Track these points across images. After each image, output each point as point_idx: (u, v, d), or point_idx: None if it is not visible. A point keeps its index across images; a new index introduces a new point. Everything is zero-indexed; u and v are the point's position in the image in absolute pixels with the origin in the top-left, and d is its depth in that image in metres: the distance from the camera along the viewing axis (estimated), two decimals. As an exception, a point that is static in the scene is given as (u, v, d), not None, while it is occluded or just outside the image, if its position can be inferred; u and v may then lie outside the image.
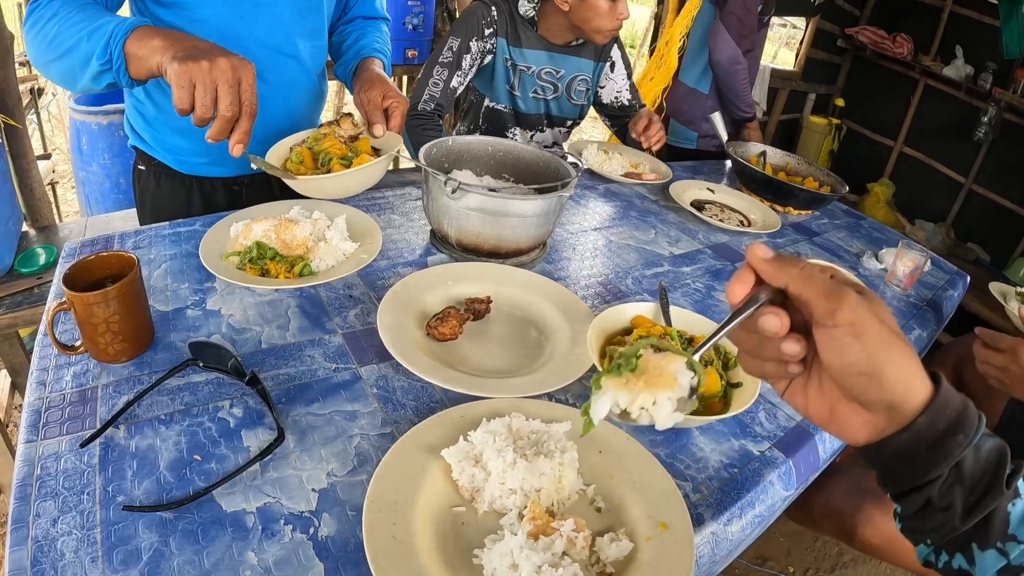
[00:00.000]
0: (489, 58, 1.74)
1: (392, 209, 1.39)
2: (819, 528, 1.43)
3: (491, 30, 1.70)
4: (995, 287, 1.95)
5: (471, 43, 1.68)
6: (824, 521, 1.37)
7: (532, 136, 1.91)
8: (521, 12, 1.73)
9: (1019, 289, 1.83)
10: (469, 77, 1.73)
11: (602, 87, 1.97)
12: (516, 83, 1.78)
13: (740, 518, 0.79)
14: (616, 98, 1.98)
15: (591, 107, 2.01)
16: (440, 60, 1.68)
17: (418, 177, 1.21)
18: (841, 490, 1.30)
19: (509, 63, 1.75)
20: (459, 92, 1.73)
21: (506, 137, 1.88)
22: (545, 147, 1.97)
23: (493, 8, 1.69)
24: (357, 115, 1.21)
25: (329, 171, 1.09)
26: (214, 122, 0.87)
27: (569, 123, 1.96)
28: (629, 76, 1.98)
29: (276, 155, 1.21)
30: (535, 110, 1.86)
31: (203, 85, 0.84)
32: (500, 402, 0.82)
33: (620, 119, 2.02)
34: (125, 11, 1.16)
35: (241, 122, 0.89)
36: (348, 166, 1.08)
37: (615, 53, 1.92)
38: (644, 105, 2.02)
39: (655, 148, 1.82)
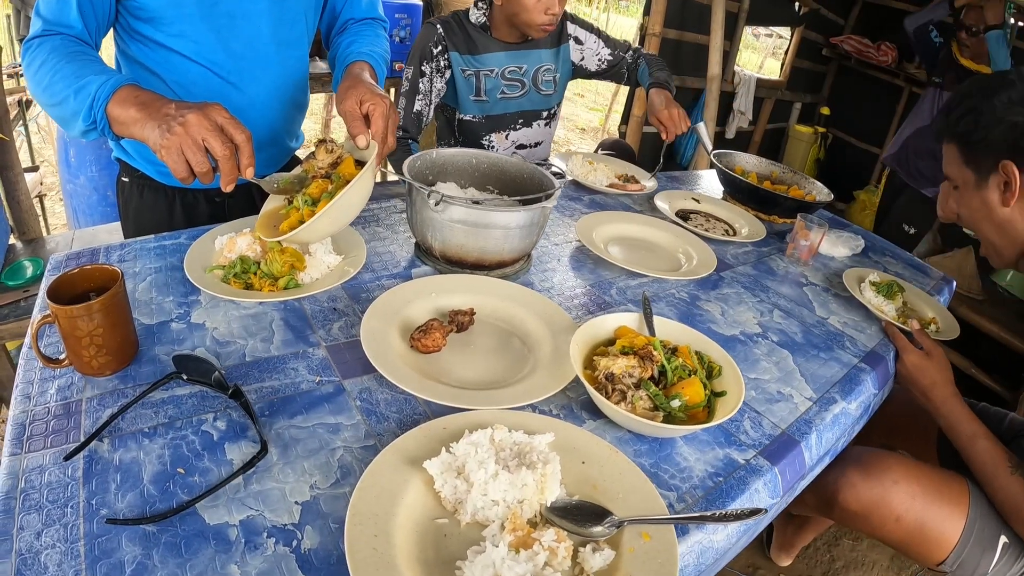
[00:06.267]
0: (448, 74, 1.78)
1: (377, 222, 1.39)
2: (801, 504, 1.43)
3: (440, 48, 1.75)
4: (850, 275, 1.51)
5: (422, 67, 1.74)
6: (805, 494, 1.38)
7: (508, 135, 1.93)
8: (473, 20, 1.79)
9: (872, 279, 1.48)
10: (432, 97, 1.78)
11: (581, 60, 2.00)
12: (482, 89, 1.81)
13: (726, 527, 0.79)
14: (600, 61, 2.01)
15: (563, 95, 2.04)
16: (401, 91, 1.76)
17: (404, 190, 1.21)
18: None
19: (468, 73, 1.79)
20: (428, 114, 1.78)
21: (482, 145, 1.91)
22: (532, 145, 2.01)
23: (439, 26, 1.75)
24: (341, 134, 1.19)
25: (302, 221, 1.01)
26: (219, 172, 0.91)
27: (545, 114, 1.99)
28: (599, 35, 2.01)
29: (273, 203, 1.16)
30: (506, 110, 1.88)
31: (189, 147, 0.88)
32: (483, 414, 0.82)
33: (616, 73, 2.06)
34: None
35: (242, 149, 0.92)
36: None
37: (572, 29, 1.95)
38: (630, 47, 2.05)
39: (682, 131, 1.81)
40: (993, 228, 1.15)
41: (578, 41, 1.97)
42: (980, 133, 1.09)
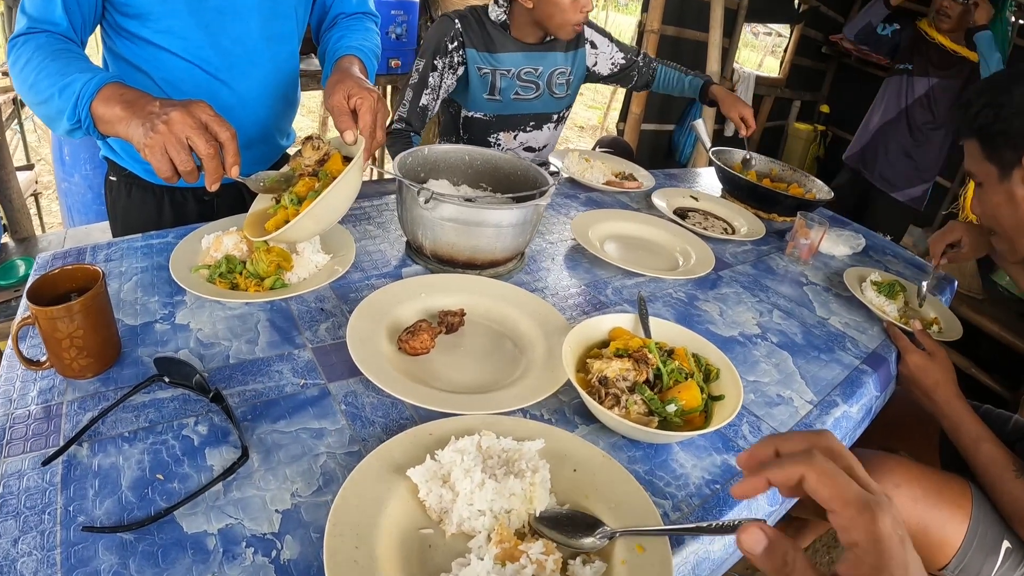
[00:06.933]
0: (461, 70, 1.75)
1: (368, 220, 1.37)
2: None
3: (456, 44, 1.71)
4: (850, 274, 1.49)
5: (435, 61, 1.71)
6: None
7: (516, 136, 1.91)
8: (492, 18, 1.76)
9: (874, 278, 1.47)
10: (440, 92, 1.75)
11: (595, 65, 1.99)
12: (497, 88, 1.78)
13: (723, 537, 0.77)
14: (613, 65, 2.02)
15: (575, 98, 2.04)
16: (409, 82, 1.73)
17: (396, 187, 1.19)
18: None
19: (483, 71, 1.76)
20: (433, 108, 1.75)
21: (488, 144, 1.88)
22: (540, 148, 1.99)
23: (457, 21, 1.71)
24: (331, 133, 1.18)
25: (288, 220, 0.99)
26: (204, 171, 0.90)
27: (555, 117, 1.97)
28: (612, 39, 2.01)
29: (262, 202, 1.15)
30: (518, 111, 1.86)
31: (172, 145, 0.87)
32: (471, 419, 0.80)
33: (625, 77, 2.09)
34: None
35: (227, 147, 0.91)
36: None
37: (588, 33, 1.95)
38: (639, 51, 2.07)
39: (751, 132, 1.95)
40: (1015, 223, 1.13)
41: (593, 45, 1.96)
42: (1000, 126, 1.07)
